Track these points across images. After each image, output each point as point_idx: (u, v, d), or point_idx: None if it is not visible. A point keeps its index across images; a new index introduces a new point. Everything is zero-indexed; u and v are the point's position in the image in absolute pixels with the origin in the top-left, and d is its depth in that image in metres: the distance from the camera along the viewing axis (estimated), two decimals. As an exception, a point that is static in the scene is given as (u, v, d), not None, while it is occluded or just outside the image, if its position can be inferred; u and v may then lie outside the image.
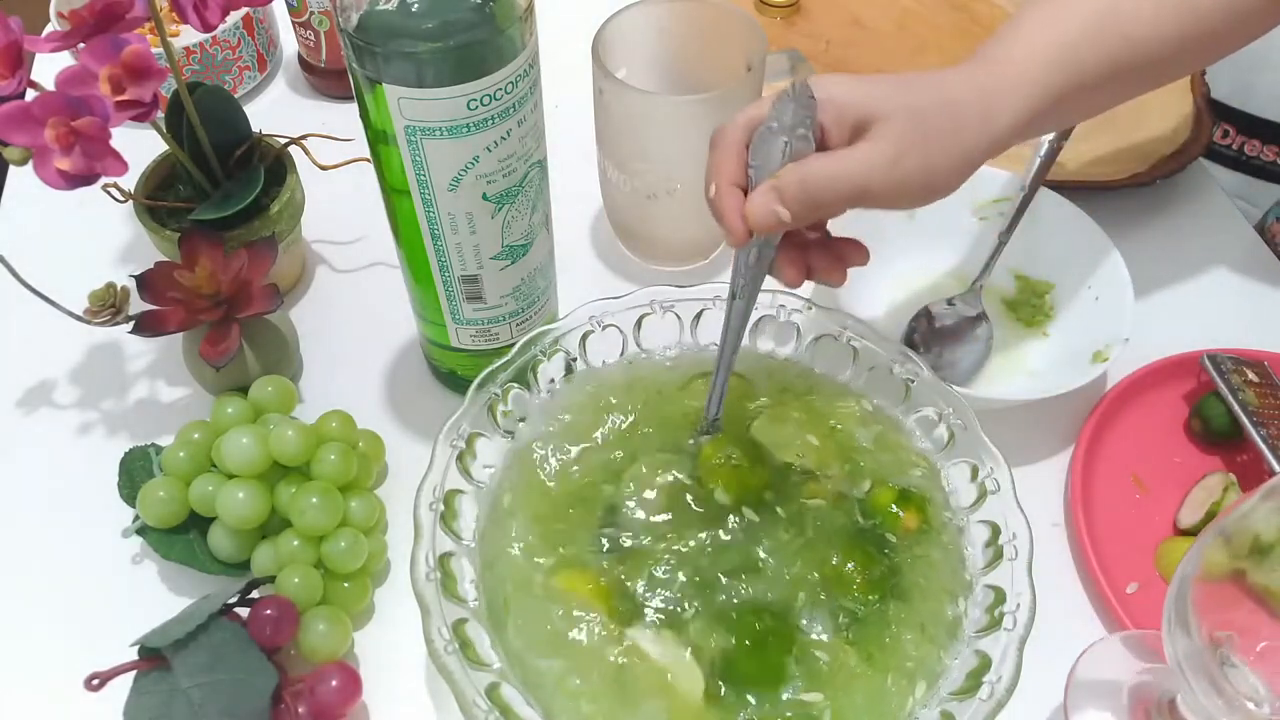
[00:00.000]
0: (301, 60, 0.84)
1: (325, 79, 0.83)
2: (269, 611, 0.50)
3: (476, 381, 0.51)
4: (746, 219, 0.45)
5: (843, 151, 0.45)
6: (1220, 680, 0.40)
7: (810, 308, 0.55)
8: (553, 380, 0.54)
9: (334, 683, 0.49)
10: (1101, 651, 0.52)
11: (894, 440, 0.52)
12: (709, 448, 0.51)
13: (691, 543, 0.48)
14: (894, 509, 0.49)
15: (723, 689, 0.44)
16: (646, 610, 0.46)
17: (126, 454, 0.57)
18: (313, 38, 0.80)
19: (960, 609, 0.47)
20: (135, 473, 0.57)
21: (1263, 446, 0.57)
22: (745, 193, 0.46)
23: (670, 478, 0.50)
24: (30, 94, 0.53)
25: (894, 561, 0.48)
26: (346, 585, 0.53)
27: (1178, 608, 0.42)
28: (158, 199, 0.65)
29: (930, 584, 0.48)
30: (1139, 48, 0.50)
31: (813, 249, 0.49)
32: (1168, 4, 0.50)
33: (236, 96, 0.72)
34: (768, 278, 0.49)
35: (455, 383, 0.63)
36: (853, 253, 0.49)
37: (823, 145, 0.46)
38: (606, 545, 0.48)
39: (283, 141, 0.66)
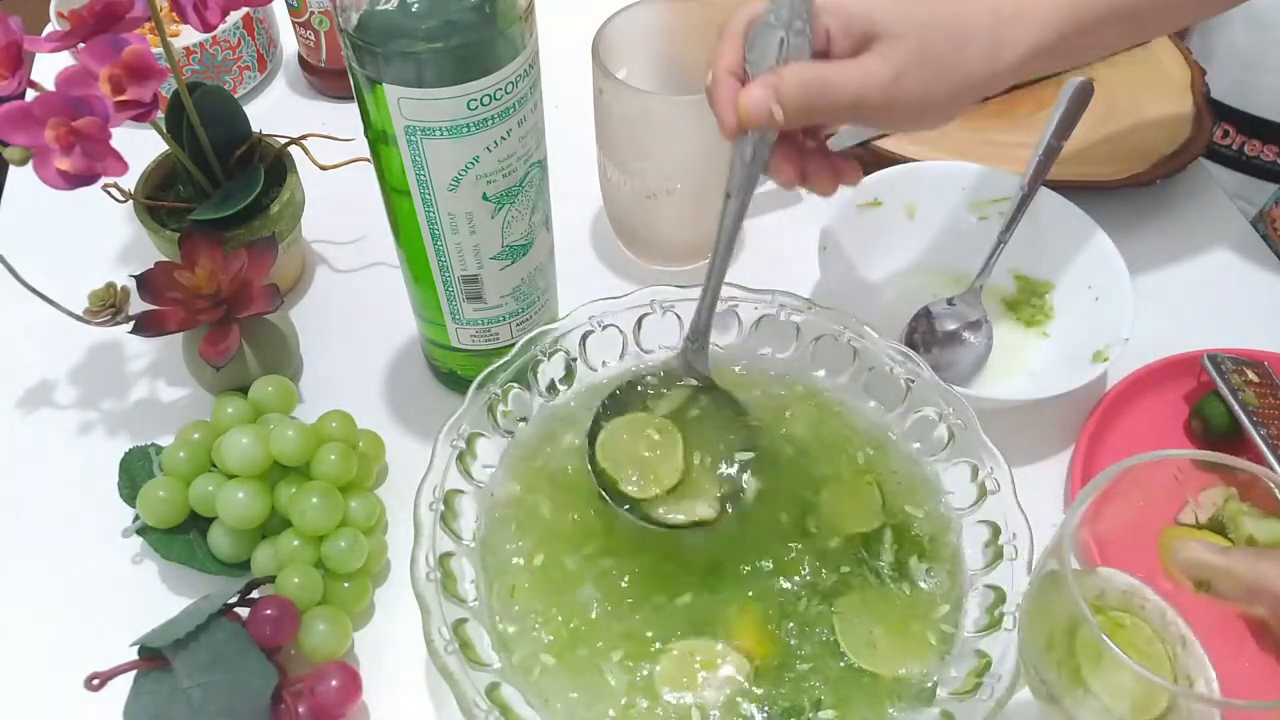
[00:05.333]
0: (301, 60, 0.84)
1: (325, 79, 0.83)
2: (269, 611, 0.50)
3: (476, 381, 0.51)
4: (739, 110, 0.45)
5: (844, 62, 0.45)
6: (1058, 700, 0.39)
7: (810, 308, 0.55)
8: (553, 381, 0.54)
9: (334, 683, 0.49)
10: None
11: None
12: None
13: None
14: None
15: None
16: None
17: (126, 454, 0.57)
18: (313, 38, 0.80)
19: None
20: (135, 473, 0.57)
21: (1263, 446, 0.57)
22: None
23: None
24: (30, 94, 0.53)
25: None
26: (346, 585, 0.53)
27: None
28: (158, 199, 0.65)
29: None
30: None
31: (809, 155, 0.49)
32: None
33: (236, 96, 0.72)
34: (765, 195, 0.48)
35: (455, 383, 0.63)
36: (848, 170, 0.49)
37: (827, 51, 0.46)
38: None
39: (283, 141, 0.66)
